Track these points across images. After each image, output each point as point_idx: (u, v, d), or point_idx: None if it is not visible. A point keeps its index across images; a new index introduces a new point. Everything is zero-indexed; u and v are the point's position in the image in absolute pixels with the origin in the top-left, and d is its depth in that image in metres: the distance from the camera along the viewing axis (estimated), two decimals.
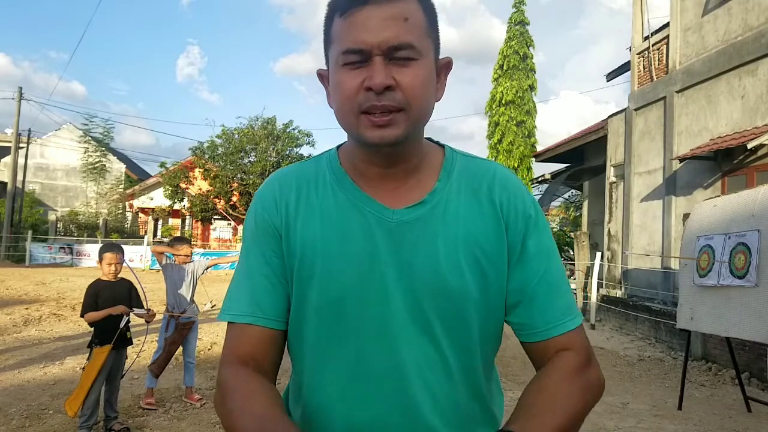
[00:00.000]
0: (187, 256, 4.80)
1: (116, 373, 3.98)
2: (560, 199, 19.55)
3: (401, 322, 0.88)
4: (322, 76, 0.94)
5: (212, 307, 4.94)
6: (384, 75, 0.80)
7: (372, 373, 0.88)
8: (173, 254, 4.81)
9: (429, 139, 0.99)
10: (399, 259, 0.88)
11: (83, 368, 3.82)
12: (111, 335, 3.85)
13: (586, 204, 13.79)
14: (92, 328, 3.92)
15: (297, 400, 0.99)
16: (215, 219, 26.11)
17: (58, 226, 24.73)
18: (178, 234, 25.90)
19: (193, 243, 24.07)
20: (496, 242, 0.91)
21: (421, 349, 0.88)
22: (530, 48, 25.84)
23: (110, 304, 3.88)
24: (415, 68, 0.83)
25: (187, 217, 27.40)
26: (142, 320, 4.11)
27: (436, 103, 0.92)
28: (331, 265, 0.90)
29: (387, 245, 0.89)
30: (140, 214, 29.51)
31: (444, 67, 0.93)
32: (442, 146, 1.00)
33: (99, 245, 20.85)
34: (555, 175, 14.30)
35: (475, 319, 0.90)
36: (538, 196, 14.43)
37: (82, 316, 3.90)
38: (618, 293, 10.25)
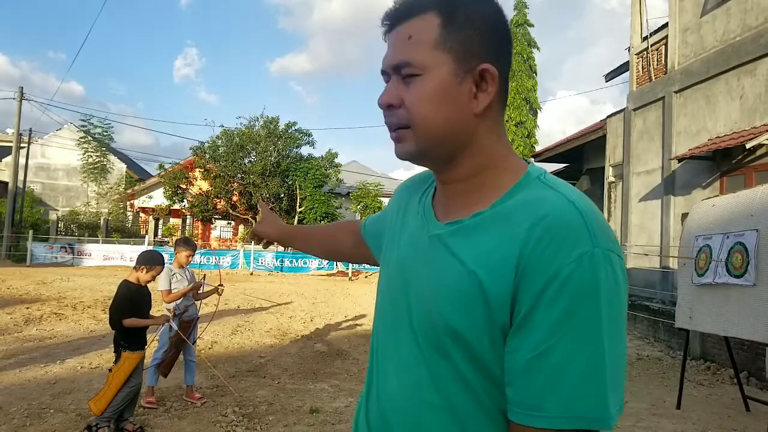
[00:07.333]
0: (189, 257, 4.88)
1: (139, 374, 4.03)
2: None
3: (415, 336, 0.87)
4: None
5: (220, 286, 5.03)
6: (385, 95, 0.87)
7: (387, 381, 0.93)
8: (175, 255, 4.86)
9: (526, 160, 0.91)
10: (420, 273, 0.89)
11: (110, 370, 3.88)
12: (144, 341, 4.02)
13: None
14: (113, 330, 3.97)
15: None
16: (216, 219, 26.13)
17: (59, 225, 24.76)
18: (178, 234, 25.94)
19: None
20: (499, 289, 0.77)
21: (428, 377, 0.85)
22: (533, 49, 26.03)
23: (142, 309, 4.00)
24: (417, 85, 0.84)
25: (188, 216, 27.43)
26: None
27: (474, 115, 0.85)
28: (390, 257, 1.00)
29: (420, 256, 0.90)
30: (141, 214, 29.54)
31: (486, 75, 0.83)
32: (529, 171, 0.88)
33: (100, 245, 20.89)
34: (554, 174, 14.32)
35: (480, 357, 0.80)
36: None
37: (118, 319, 3.88)
38: None
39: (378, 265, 1.13)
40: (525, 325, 0.74)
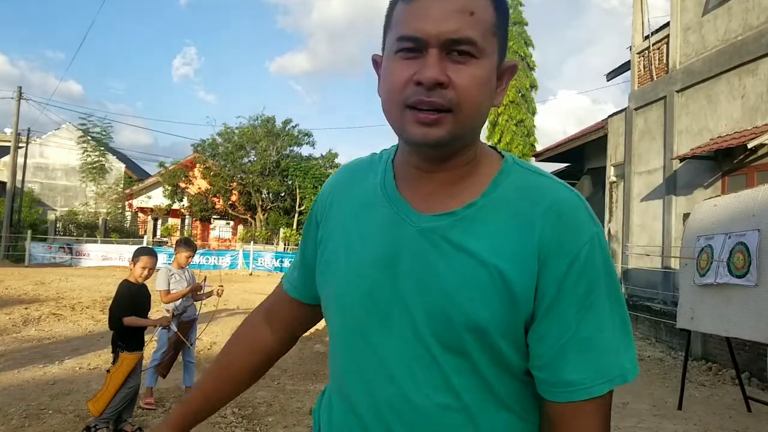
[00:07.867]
0: (189, 257, 4.86)
1: (137, 375, 4.00)
2: None
3: (419, 336, 0.82)
4: (376, 62, 0.89)
5: (220, 287, 5.01)
6: (437, 70, 0.75)
7: (375, 382, 0.85)
8: (175, 255, 4.84)
9: (494, 148, 0.91)
10: (416, 269, 0.82)
11: (108, 371, 3.85)
12: (142, 342, 3.99)
13: None
14: (112, 330, 3.94)
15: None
16: (214, 218, 26.11)
17: (58, 225, 24.70)
18: (177, 234, 25.92)
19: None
20: (524, 280, 0.78)
21: (430, 379, 0.82)
22: (529, 47, 26.10)
23: (142, 308, 3.98)
24: (473, 67, 0.77)
25: (187, 216, 27.41)
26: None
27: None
28: (345, 257, 0.89)
29: (410, 251, 0.83)
30: (139, 214, 29.51)
31: (507, 71, 0.85)
32: (504, 157, 0.89)
33: (98, 245, 20.85)
34: (555, 174, 14.34)
35: (506, 354, 0.80)
36: None
37: (118, 318, 3.84)
38: None
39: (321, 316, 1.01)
40: (552, 311, 0.78)
